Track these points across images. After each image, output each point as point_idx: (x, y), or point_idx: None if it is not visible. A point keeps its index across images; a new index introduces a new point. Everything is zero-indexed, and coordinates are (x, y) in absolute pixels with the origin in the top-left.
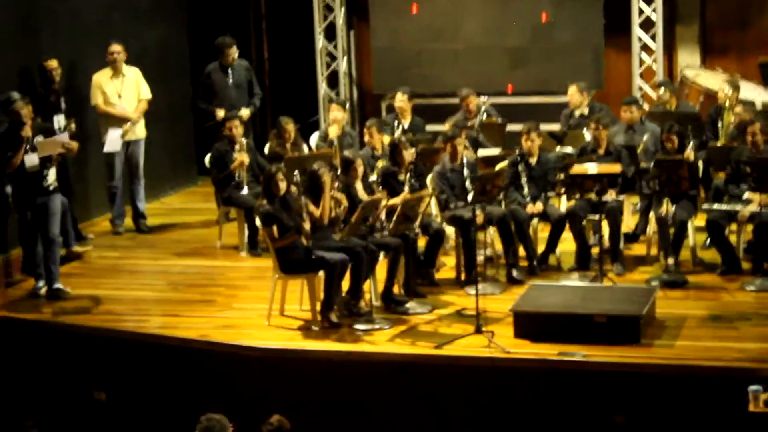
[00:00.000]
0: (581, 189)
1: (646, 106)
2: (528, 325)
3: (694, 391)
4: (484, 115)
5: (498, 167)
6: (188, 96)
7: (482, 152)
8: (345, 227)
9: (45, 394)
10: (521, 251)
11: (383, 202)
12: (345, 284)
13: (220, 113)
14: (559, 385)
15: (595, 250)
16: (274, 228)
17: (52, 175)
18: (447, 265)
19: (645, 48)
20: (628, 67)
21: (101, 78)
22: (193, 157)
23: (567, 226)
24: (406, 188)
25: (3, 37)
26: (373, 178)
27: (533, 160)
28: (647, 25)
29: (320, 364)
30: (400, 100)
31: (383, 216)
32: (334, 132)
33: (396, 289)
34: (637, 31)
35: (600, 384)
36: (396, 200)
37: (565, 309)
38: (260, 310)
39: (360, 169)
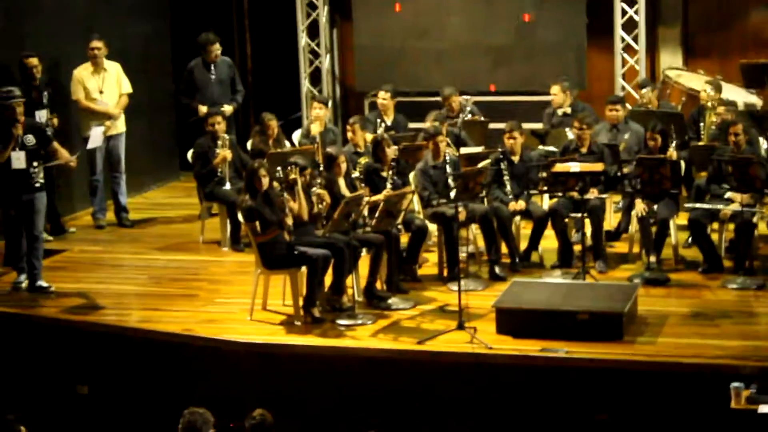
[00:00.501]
0: (564, 187)
1: (628, 106)
2: (510, 321)
3: (676, 388)
4: (468, 115)
5: (480, 165)
6: (170, 91)
7: (465, 150)
8: (327, 223)
9: (27, 387)
10: (504, 248)
11: (366, 199)
12: (327, 280)
13: (203, 109)
14: (541, 381)
15: (577, 248)
16: (257, 223)
17: (41, 172)
18: (429, 262)
19: (627, 48)
20: (610, 68)
21: (82, 73)
22: (175, 152)
23: (549, 223)
24: (389, 185)
25: None
26: (355, 174)
27: (516, 158)
28: (630, 25)
29: (303, 359)
30: (383, 97)
31: (366, 212)
32: (316, 129)
33: (378, 285)
34: (620, 32)
35: (582, 380)
36: (378, 197)
37: (548, 306)
38: (243, 305)
39: (343, 166)
